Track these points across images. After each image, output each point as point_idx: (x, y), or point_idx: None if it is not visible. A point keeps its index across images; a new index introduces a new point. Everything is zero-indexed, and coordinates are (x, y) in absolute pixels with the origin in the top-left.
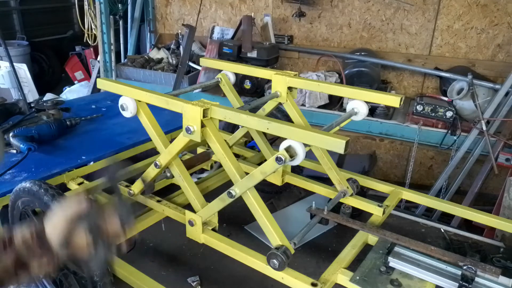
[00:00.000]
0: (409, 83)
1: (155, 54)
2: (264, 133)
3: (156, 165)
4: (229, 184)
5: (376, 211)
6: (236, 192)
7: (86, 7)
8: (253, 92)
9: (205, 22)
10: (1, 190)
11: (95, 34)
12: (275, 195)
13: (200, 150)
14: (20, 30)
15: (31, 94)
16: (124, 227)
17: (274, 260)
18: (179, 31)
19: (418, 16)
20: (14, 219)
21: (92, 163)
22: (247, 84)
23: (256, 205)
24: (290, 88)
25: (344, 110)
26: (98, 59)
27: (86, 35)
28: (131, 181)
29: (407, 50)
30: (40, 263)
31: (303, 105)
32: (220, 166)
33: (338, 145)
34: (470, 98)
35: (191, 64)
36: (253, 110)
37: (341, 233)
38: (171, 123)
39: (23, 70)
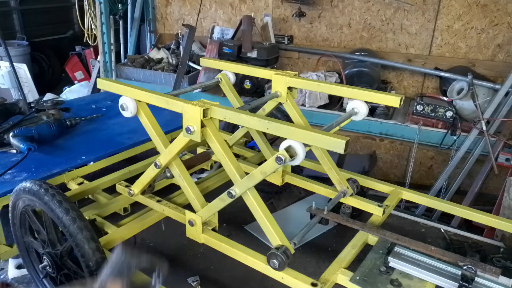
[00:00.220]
0: (409, 83)
1: (155, 54)
2: (264, 133)
3: (156, 165)
4: (229, 184)
5: (376, 211)
6: (236, 192)
7: (86, 7)
8: (253, 92)
9: (205, 22)
10: (1, 190)
11: (95, 34)
12: (275, 195)
13: (200, 150)
14: (20, 30)
15: (31, 94)
16: None
17: (274, 260)
18: (179, 31)
19: (418, 16)
20: (14, 219)
21: (92, 163)
22: (247, 84)
23: (256, 205)
24: (290, 88)
25: (344, 110)
26: (98, 59)
27: (86, 35)
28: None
29: (407, 50)
30: None
31: (303, 105)
32: (220, 166)
33: (338, 145)
34: (470, 98)
35: (191, 64)
36: (253, 110)
37: (341, 233)
38: (171, 123)
39: (23, 70)
